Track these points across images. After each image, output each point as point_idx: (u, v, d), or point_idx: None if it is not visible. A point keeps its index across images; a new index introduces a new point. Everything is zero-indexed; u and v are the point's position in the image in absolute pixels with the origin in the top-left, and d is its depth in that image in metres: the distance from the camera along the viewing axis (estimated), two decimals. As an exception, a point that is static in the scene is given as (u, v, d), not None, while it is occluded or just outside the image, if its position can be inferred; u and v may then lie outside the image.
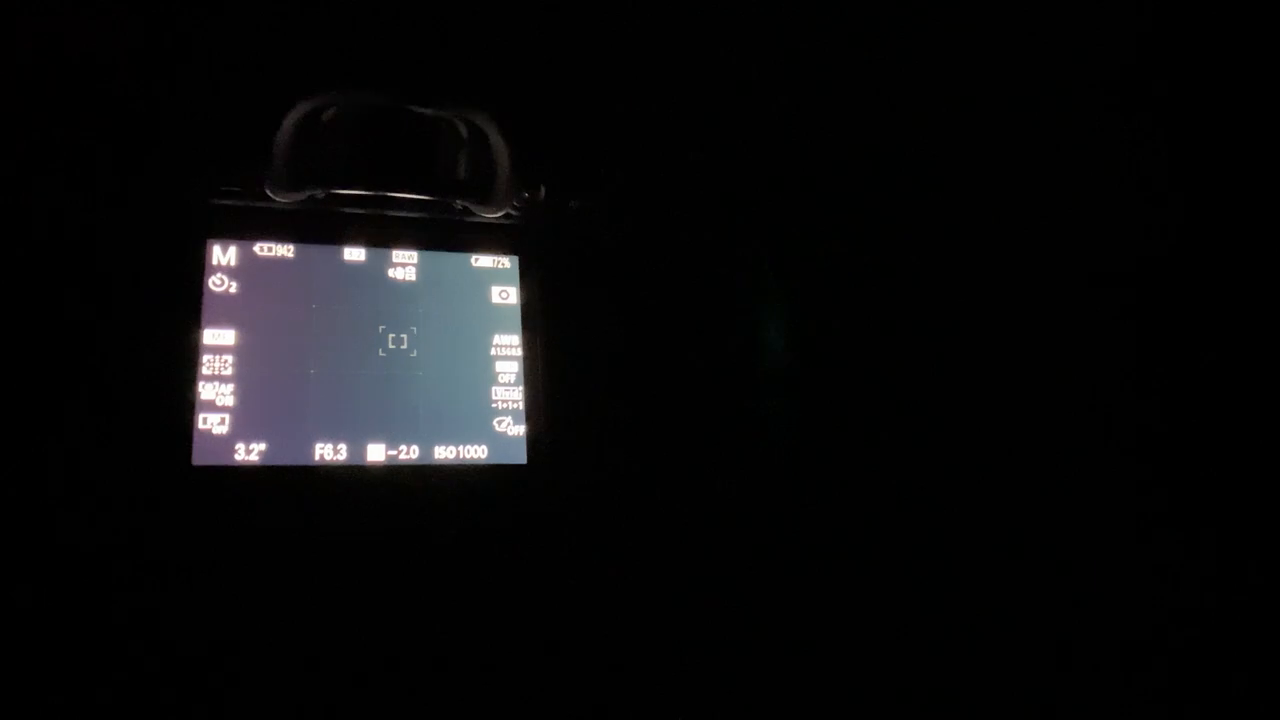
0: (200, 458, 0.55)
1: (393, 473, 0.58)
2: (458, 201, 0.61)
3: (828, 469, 0.66)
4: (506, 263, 0.64)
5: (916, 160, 0.67)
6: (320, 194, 0.59)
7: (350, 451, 0.58)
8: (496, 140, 0.59)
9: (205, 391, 0.57)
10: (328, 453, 0.58)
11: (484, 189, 0.61)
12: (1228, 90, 0.58)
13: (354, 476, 0.58)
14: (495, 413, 0.61)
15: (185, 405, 0.56)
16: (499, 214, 0.62)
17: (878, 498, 0.64)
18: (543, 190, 0.63)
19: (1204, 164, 0.58)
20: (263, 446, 0.57)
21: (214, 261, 0.59)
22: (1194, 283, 0.58)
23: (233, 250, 0.59)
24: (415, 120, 0.59)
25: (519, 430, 0.61)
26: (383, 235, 0.62)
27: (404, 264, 0.62)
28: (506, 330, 0.63)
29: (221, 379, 0.57)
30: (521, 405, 0.62)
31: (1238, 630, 0.54)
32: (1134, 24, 0.59)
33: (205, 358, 0.57)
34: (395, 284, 0.62)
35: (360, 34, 0.59)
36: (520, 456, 0.61)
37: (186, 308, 0.58)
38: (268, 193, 0.58)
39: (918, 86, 0.64)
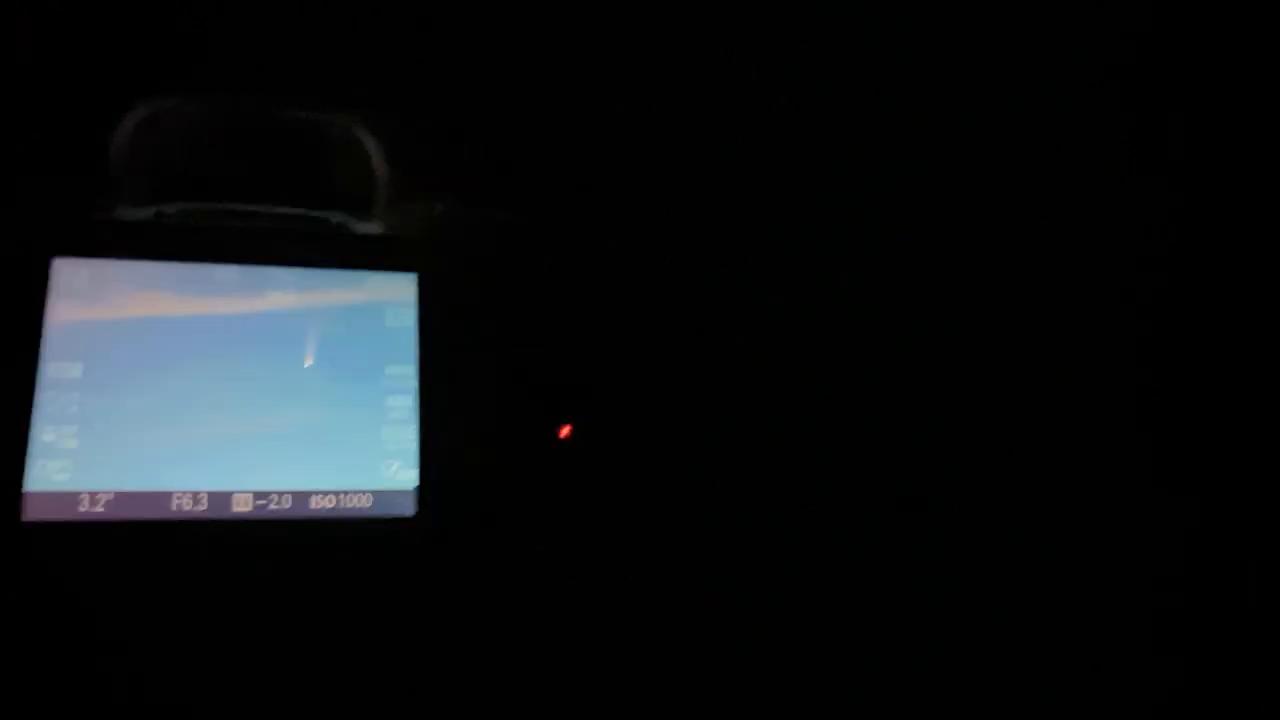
0: (35, 512, 0.49)
1: (261, 526, 0.52)
2: (332, 215, 0.53)
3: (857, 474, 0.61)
4: (403, 282, 0.57)
5: (891, 159, 0.64)
6: (171, 209, 0.51)
7: (212, 503, 0.51)
8: (373, 146, 0.51)
9: (45, 434, 0.50)
10: (186, 503, 0.51)
11: (362, 200, 0.53)
12: (1228, 90, 0.58)
13: (216, 531, 0.51)
14: (384, 456, 0.54)
15: (18, 450, 0.49)
16: (383, 227, 0.54)
17: (913, 503, 0.61)
18: (438, 203, 0.55)
19: (1204, 164, 0.58)
20: (110, 498, 0.50)
21: (60, 283, 0.52)
22: (1195, 283, 0.58)
23: (82, 270, 0.52)
24: (277, 126, 0.51)
25: (410, 476, 0.54)
26: (259, 251, 0.55)
27: (280, 284, 0.55)
28: (400, 360, 0.56)
29: (64, 419, 0.50)
30: (414, 447, 0.55)
31: (1238, 630, 0.54)
32: (1134, 24, 0.58)
33: (46, 395, 0.50)
34: (271, 307, 0.54)
35: (218, 24, 0.51)
36: (408, 508, 0.54)
37: (25, 336, 0.51)
38: (108, 206, 0.50)
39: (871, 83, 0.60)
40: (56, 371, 0.51)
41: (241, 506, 0.52)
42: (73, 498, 0.50)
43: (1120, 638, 0.56)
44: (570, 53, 0.55)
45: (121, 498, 0.50)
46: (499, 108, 0.57)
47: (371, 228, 0.55)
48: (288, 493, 0.52)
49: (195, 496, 0.51)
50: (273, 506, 0.52)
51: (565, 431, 0.57)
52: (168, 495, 0.51)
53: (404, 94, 0.54)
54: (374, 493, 0.54)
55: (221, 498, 0.52)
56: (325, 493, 0.53)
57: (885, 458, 0.61)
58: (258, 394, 0.53)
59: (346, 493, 0.53)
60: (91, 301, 0.52)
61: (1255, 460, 0.56)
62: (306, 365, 0.54)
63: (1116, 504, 0.58)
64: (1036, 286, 0.62)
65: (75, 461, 0.50)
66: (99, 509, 0.50)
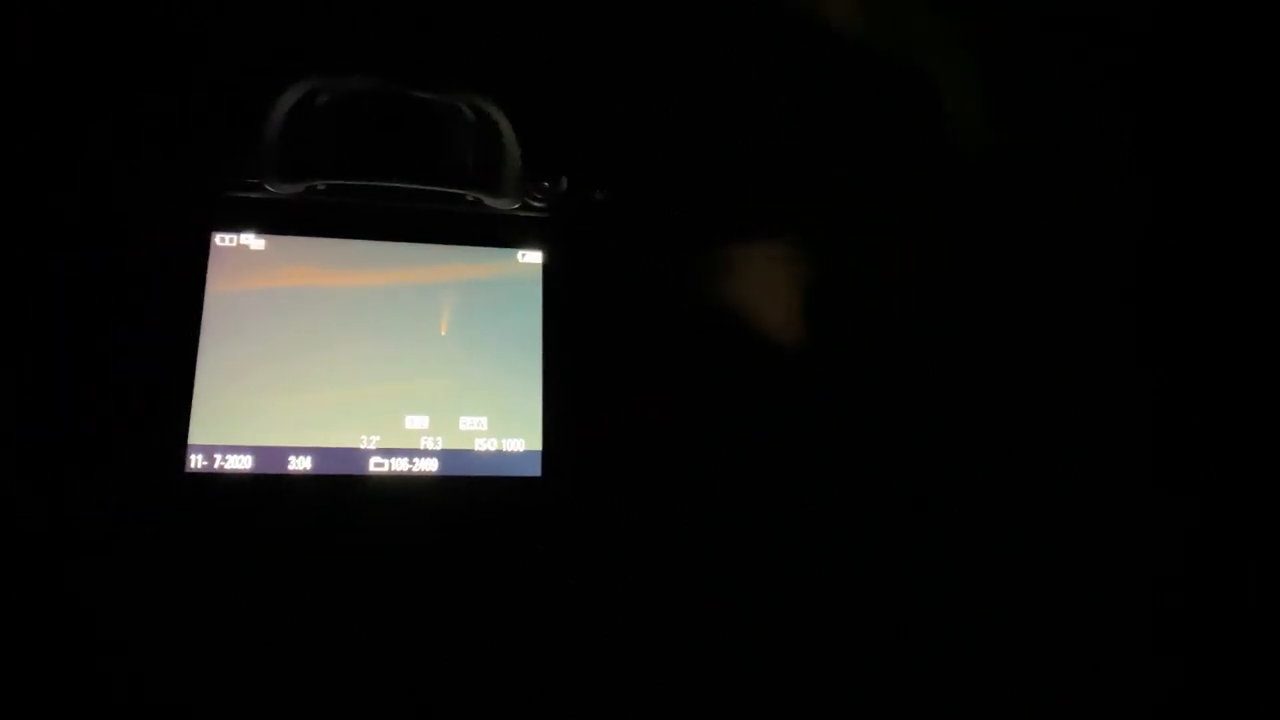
0: (194, 464, 0.53)
1: (398, 484, 0.55)
2: (468, 193, 0.56)
3: (857, 474, 0.61)
4: (530, 258, 0.59)
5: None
6: (320, 185, 0.55)
7: (350, 461, 0.54)
8: (505, 126, 0.54)
9: (201, 395, 0.54)
10: (324, 461, 0.54)
11: (494, 179, 0.56)
12: (1227, 91, 0.58)
13: (350, 487, 0.54)
14: (509, 421, 0.57)
15: (181, 408, 0.53)
16: (513, 206, 0.57)
17: (921, 504, 0.60)
18: (564, 181, 0.58)
19: (1204, 164, 0.58)
20: (257, 454, 0.53)
21: (216, 256, 0.56)
22: (1195, 284, 0.58)
23: (236, 244, 0.56)
24: (416, 106, 0.54)
25: (535, 442, 0.57)
26: (397, 228, 0.58)
27: (416, 259, 0.58)
28: (526, 332, 0.58)
29: (217, 381, 0.54)
30: (539, 414, 0.57)
31: (1238, 630, 0.54)
32: (1134, 24, 0.58)
33: (202, 359, 0.54)
34: (406, 280, 0.58)
35: (361, 15, 0.55)
36: (534, 469, 0.56)
37: (187, 306, 0.55)
38: (262, 184, 0.54)
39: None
40: (213, 338, 0.55)
41: (377, 466, 0.55)
42: (224, 452, 0.53)
43: (1120, 638, 0.56)
44: (699, 37, 0.57)
45: (268, 453, 0.54)
46: (624, 89, 0.59)
47: (502, 205, 0.58)
48: (421, 455, 0.55)
49: (334, 454, 0.54)
50: (407, 467, 0.55)
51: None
52: (312, 451, 0.54)
53: (531, 75, 0.57)
54: (501, 455, 0.56)
55: (359, 456, 0.55)
56: (456, 453, 0.56)
57: (885, 458, 0.61)
58: (395, 361, 0.56)
59: (476, 454, 0.56)
60: (246, 274, 0.56)
61: (1255, 460, 0.56)
62: (439, 335, 0.57)
63: (1116, 504, 0.58)
64: (1036, 287, 0.62)
65: (229, 420, 0.54)
66: (245, 464, 0.53)
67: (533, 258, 0.60)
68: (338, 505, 0.54)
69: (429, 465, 0.55)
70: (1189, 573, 0.56)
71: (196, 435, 0.53)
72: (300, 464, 0.54)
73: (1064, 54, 0.61)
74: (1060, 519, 0.58)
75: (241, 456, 0.53)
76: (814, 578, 0.58)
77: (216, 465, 0.53)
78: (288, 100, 0.52)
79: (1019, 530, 0.58)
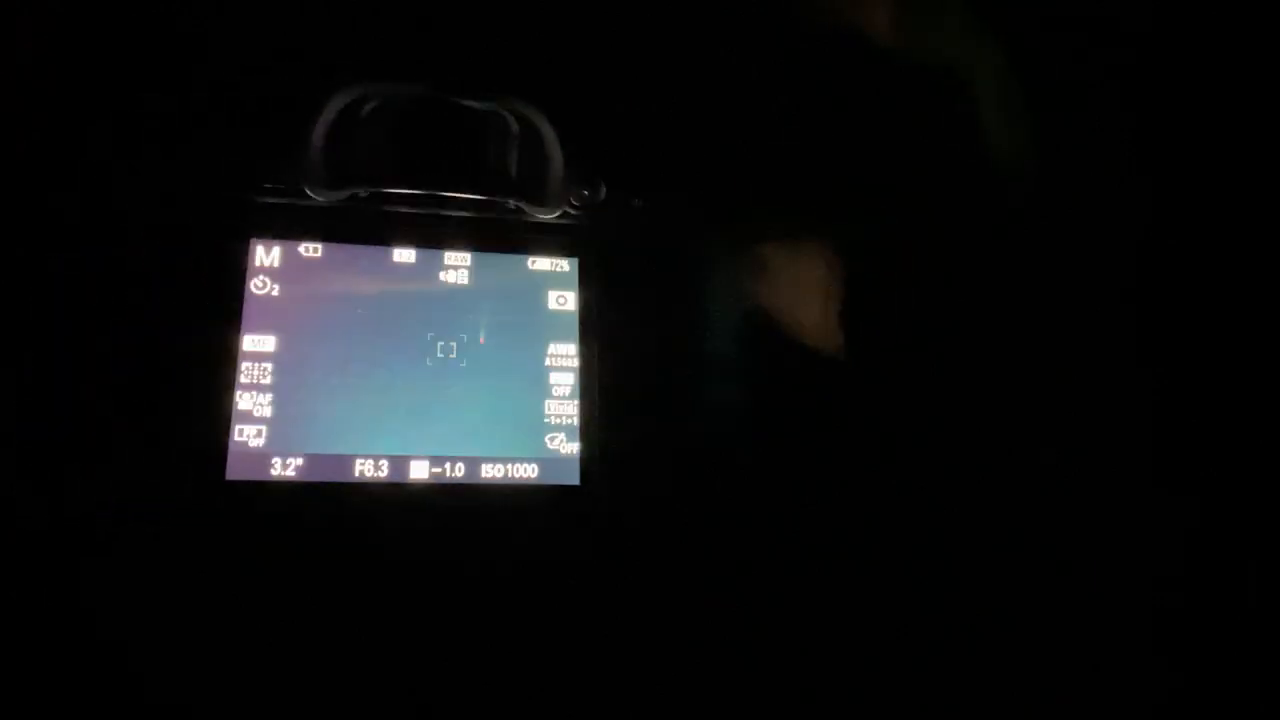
0: (235, 472, 0.52)
1: (436, 492, 0.55)
2: (510, 200, 0.56)
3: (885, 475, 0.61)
4: (565, 265, 0.60)
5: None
6: (363, 192, 0.55)
7: (392, 468, 0.54)
8: (549, 134, 0.54)
9: (242, 401, 0.53)
10: (368, 469, 0.54)
11: (537, 187, 0.56)
12: (1228, 90, 0.58)
13: (395, 495, 0.54)
14: (548, 429, 0.57)
15: (221, 416, 0.53)
16: (555, 213, 0.58)
17: (943, 508, 0.60)
18: (603, 188, 0.58)
19: (1205, 164, 0.58)
20: (300, 461, 0.53)
21: (256, 262, 0.56)
22: (1195, 284, 0.58)
23: (276, 250, 0.56)
24: (462, 114, 0.54)
25: (573, 448, 0.57)
26: (434, 235, 0.58)
27: (456, 266, 0.58)
28: (563, 339, 0.58)
29: (260, 388, 0.54)
30: (577, 421, 0.57)
31: (1238, 630, 0.54)
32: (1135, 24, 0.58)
33: (244, 365, 0.54)
34: (446, 288, 0.58)
35: (403, 23, 0.55)
36: (573, 477, 0.56)
37: (227, 311, 0.55)
38: (306, 191, 0.54)
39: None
40: (253, 344, 0.54)
41: (419, 473, 0.55)
42: (267, 460, 0.53)
43: (1120, 638, 0.56)
44: (732, 46, 0.58)
45: (310, 461, 0.53)
46: (664, 98, 0.59)
47: (544, 213, 0.58)
48: (461, 460, 0.55)
49: (377, 464, 0.54)
50: (447, 475, 0.55)
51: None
52: (351, 460, 0.54)
53: (571, 81, 0.57)
54: (540, 462, 0.56)
55: (400, 463, 0.55)
56: (495, 460, 0.56)
57: (885, 458, 0.61)
58: (433, 368, 0.56)
59: (515, 461, 0.56)
60: (285, 279, 0.56)
61: (1255, 460, 0.56)
62: (479, 343, 0.57)
63: (1116, 504, 0.58)
64: (1037, 287, 0.62)
65: (270, 427, 0.53)
66: (290, 472, 0.53)
67: (571, 265, 0.60)
68: (380, 514, 0.54)
69: (470, 473, 0.55)
70: (1189, 573, 0.56)
71: (234, 444, 0.53)
72: (346, 471, 0.54)
73: (1064, 54, 0.61)
74: (1060, 519, 0.58)
75: (287, 461, 0.53)
76: (841, 578, 0.58)
77: (260, 472, 0.52)
78: (333, 107, 0.52)
79: (1019, 530, 0.58)
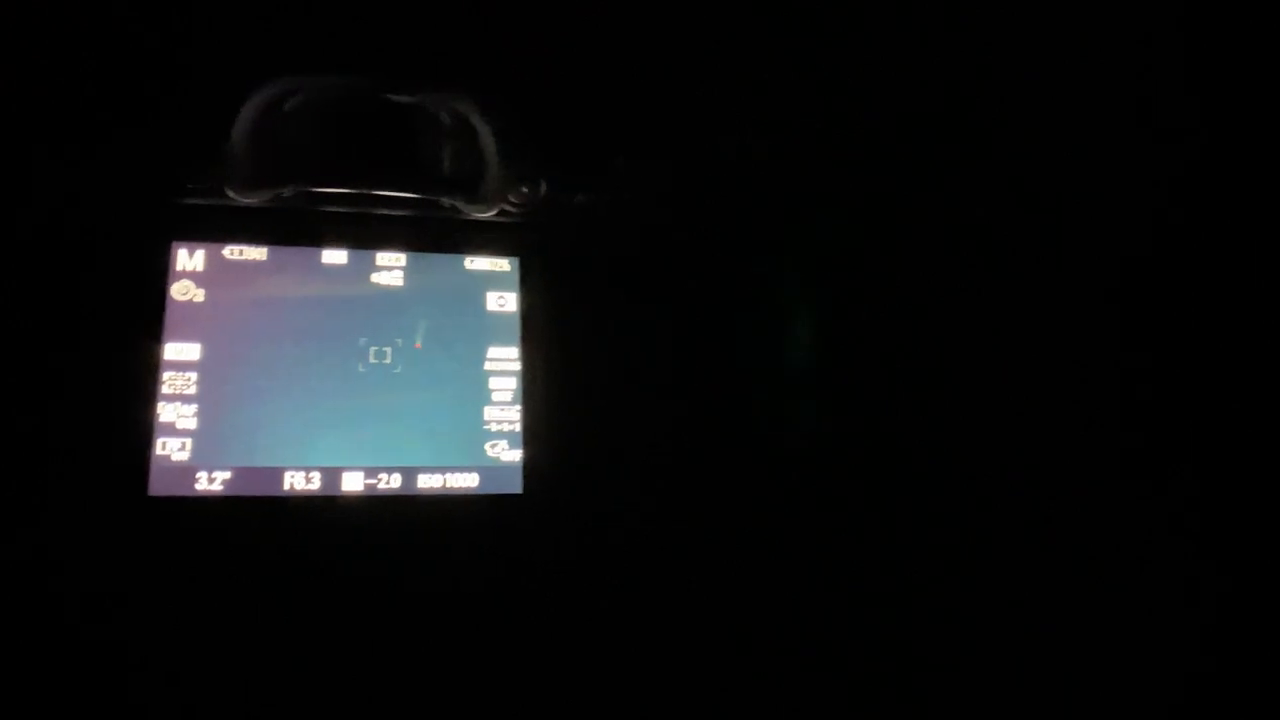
0: (157, 488, 0.50)
1: (371, 504, 0.52)
2: (444, 199, 0.54)
3: (849, 488, 0.60)
4: (505, 265, 0.57)
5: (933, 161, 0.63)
6: (288, 192, 0.52)
7: (324, 480, 0.52)
8: (483, 129, 0.52)
9: (165, 413, 0.51)
10: (299, 482, 0.52)
11: (472, 184, 0.54)
12: (1230, 90, 0.57)
13: (327, 509, 0.52)
14: (488, 436, 0.55)
15: (142, 428, 0.50)
16: (491, 212, 0.55)
17: (899, 518, 0.59)
18: (543, 185, 0.55)
19: (1204, 165, 0.57)
20: (226, 475, 0.51)
21: (178, 266, 0.53)
22: (1195, 284, 0.58)
23: (199, 254, 0.54)
24: (391, 109, 0.52)
25: (515, 456, 0.55)
26: (366, 236, 0.56)
27: (389, 267, 0.56)
28: (503, 342, 0.56)
29: (183, 399, 0.52)
30: (518, 427, 0.55)
31: (1238, 630, 0.53)
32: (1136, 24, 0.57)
33: (166, 375, 0.52)
34: (379, 290, 0.55)
35: (331, 15, 0.52)
36: (515, 485, 0.54)
37: (147, 319, 0.52)
38: (229, 192, 0.51)
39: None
40: (176, 353, 0.52)
41: (352, 485, 0.52)
42: (191, 474, 0.51)
43: (1120, 637, 0.55)
44: (673, 43, 0.56)
45: (237, 474, 0.51)
46: (603, 93, 0.57)
47: (480, 211, 0.56)
48: (396, 470, 0.53)
49: (307, 476, 0.52)
50: (382, 486, 0.53)
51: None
52: (281, 472, 0.52)
53: (509, 78, 0.55)
54: (480, 471, 0.54)
55: (332, 475, 0.52)
56: (433, 470, 0.53)
57: (885, 457, 0.60)
58: (367, 374, 0.54)
59: (453, 471, 0.54)
60: (209, 284, 0.53)
61: (1255, 459, 0.55)
62: (414, 348, 0.55)
63: (1116, 503, 0.57)
64: (1036, 287, 0.61)
65: (194, 439, 0.51)
66: (216, 486, 0.51)
67: (512, 265, 0.57)
68: (312, 529, 0.52)
69: (406, 484, 0.53)
70: (1189, 572, 0.55)
71: (156, 458, 0.50)
72: (276, 485, 0.52)
73: (1064, 54, 0.60)
74: (1060, 519, 0.57)
75: (213, 475, 0.51)
76: (791, 585, 0.57)
77: (184, 488, 0.50)
78: (256, 104, 0.50)
79: (1019, 530, 0.57)
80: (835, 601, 0.57)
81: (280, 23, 0.53)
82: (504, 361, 0.56)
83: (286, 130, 0.52)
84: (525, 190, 0.56)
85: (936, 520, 0.58)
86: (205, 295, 0.53)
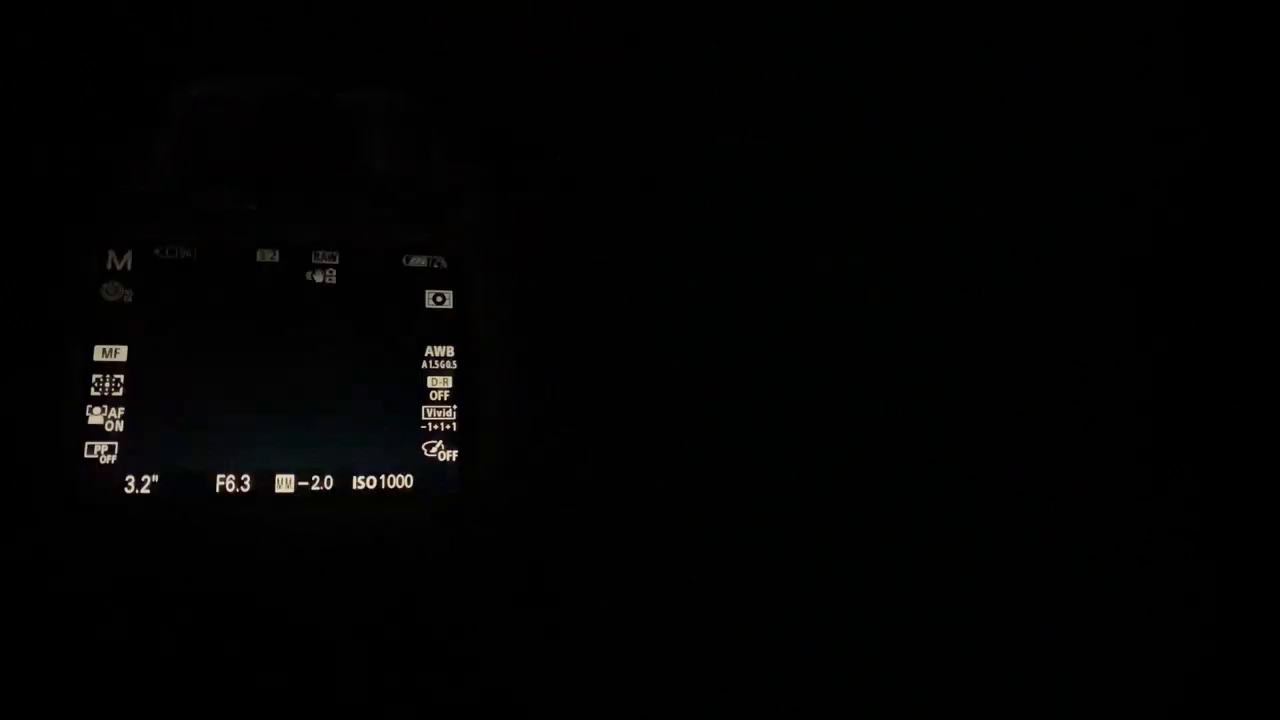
0: (85, 491, 0.49)
1: (303, 506, 0.51)
2: (372, 196, 0.53)
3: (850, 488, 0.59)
4: (444, 262, 0.56)
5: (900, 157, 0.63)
6: (218, 192, 0.52)
7: (256, 484, 0.51)
8: (420, 126, 0.51)
9: (93, 416, 0.50)
10: (229, 485, 0.51)
11: (408, 181, 0.53)
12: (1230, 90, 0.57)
13: (259, 511, 0.51)
14: (424, 435, 0.54)
15: (69, 431, 0.50)
16: (428, 208, 0.54)
17: (865, 520, 0.59)
18: (482, 184, 0.55)
19: (1206, 164, 0.58)
20: (155, 479, 0.50)
21: (108, 267, 0.52)
22: (1196, 284, 0.58)
23: (129, 255, 0.53)
24: (324, 107, 0.51)
25: (452, 455, 0.54)
26: (300, 234, 0.55)
27: (323, 265, 0.55)
28: (441, 340, 0.55)
29: (111, 401, 0.51)
30: (455, 426, 0.54)
31: (1238, 630, 0.54)
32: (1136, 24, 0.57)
33: (94, 377, 0.51)
34: (313, 289, 0.54)
35: (261, 12, 0.51)
36: (453, 485, 0.53)
37: (75, 320, 0.51)
38: (159, 191, 0.51)
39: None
40: (104, 354, 0.51)
41: (284, 487, 0.52)
42: (119, 478, 0.50)
43: (1120, 637, 0.55)
44: (604, 40, 0.55)
45: (167, 478, 0.50)
46: (533, 91, 0.57)
47: (415, 209, 0.55)
48: (330, 472, 0.52)
49: (239, 478, 0.51)
50: (315, 488, 0.52)
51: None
52: (211, 475, 0.51)
53: (443, 76, 0.54)
54: (416, 472, 0.53)
55: (264, 478, 0.52)
56: (367, 473, 0.53)
57: (886, 457, 0.59)
58: (299, 376, 0.53)
59: (389, 471, 0.53)
60: (139, 285, 0.53)
61: (1255, 459, 0.56)
62: (351, 346, 0.54)
63: (1116, 503, 0.57)
64: (1036, 287, 0.61)
65: (122, 443, 0.50)
66: (145, 490, 0.50)
67: (445, 262, 0.57)
68: (244, 533, 0.51)
69: (340, 486, 0.52)
70: (1189, 572, 0.56)
71: (83, 462, 0.50)
72: (206, 488, 0.51)
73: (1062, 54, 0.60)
74: (1060, 518, 0.57)
75: (142, 479, 0.50)
76: (738, 584, 0.57)
77: (113, 492, 0.50)
78: (182, 102, 0.49)
79: (1019, 529, 0.57)
80: (787, 603, 0.57)
81: (212, 22, 0.52)
82: (441, 360, 0.55)
83: (216, 130, 0.51)
84: (463, 188, 0.55)
85: (936, 520, 0.57)
86: (134, 296, 0.52)
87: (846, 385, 0.60)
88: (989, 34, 0.59)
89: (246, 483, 0.51)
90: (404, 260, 0.56)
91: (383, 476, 0.53)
